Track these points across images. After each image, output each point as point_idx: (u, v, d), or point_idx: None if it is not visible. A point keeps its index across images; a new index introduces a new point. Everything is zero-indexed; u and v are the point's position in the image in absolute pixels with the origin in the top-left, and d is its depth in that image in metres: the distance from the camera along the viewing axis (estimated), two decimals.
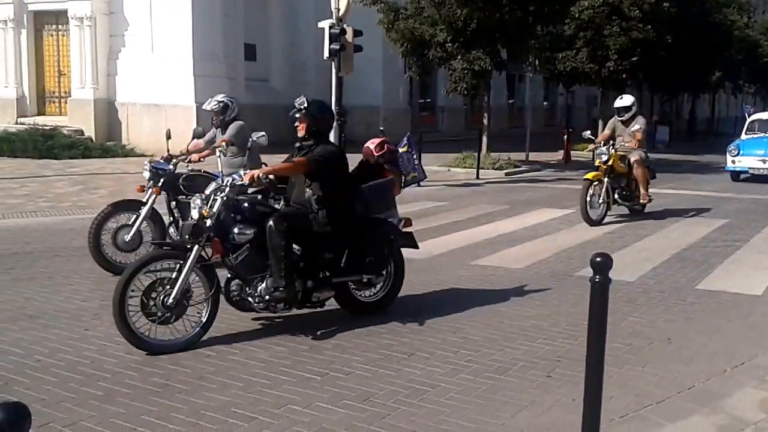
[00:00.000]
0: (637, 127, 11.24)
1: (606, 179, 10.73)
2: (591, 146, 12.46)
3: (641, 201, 11.23)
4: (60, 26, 21.43)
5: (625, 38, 22.54)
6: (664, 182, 16.76)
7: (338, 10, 14.41)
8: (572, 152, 21.97)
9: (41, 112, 21.90)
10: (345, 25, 14.53)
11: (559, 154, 22.08)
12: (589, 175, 10.72)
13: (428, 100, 29.40)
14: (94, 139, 19.90)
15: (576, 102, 38.68)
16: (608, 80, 24.69)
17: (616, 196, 10.96)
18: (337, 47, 14.29)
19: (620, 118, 11.35)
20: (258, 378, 4.62)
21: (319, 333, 5.55)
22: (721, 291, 7.07)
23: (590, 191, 10.57)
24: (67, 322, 5.74)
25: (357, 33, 14.93)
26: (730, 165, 17.46)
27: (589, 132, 11.95)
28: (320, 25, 14.76)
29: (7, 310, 6.04)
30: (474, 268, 7.94)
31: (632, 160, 11.07)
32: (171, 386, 4.47)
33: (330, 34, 14.28)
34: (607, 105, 29.15)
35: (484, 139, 18.69)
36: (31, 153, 17.82)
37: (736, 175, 17.56)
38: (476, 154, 17.78)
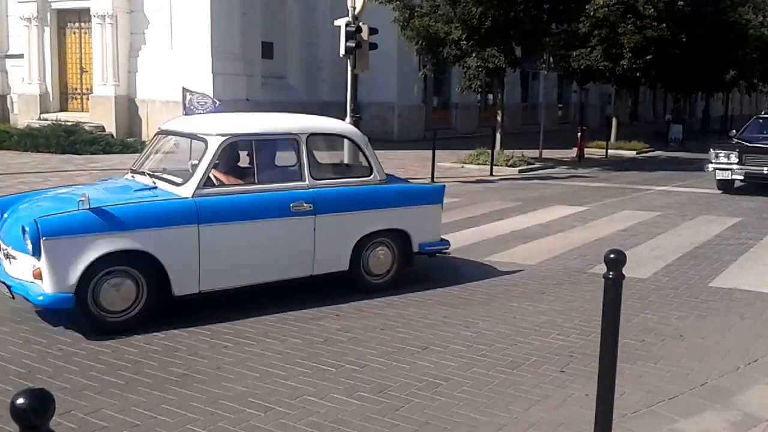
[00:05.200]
0: None
1: None
2: None
3: None
4: (82, 24, 21.66)
5: (640, 36, 22.44)
6: (678, 180, 16.76)
7: (354, 8, 14.41)
8: (586, 150, 21.94)
9: (64, 108, 22.16)
10: (361, 23, 14.53)
11: (573, 152, 22.00)
12: None
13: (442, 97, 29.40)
14: (114, 135, 20.10)
15: (590, 100, 38.49)
16: (622, 78, 24.62)
17: None
18: (353, 45, 14.30)
19: None
20: (274, 369, 4.69)
21: (334, 326, 5.62)
22: (734, 289, 7.07)
23: None
24: None
25: (372, 31, 14.94)
26: None
27: None
28: (336, 23, 14.77)
29: None
30: (487, 264, 7.98)
31: None
32: (189, 376, 4.54)
33: (346, 31, 14.29)
34: (621, 103, 29.11)
35: (498, 136, 18.68)
36: (53, 148, 18.03)
37: None
38: (490, 151, 17.75)
